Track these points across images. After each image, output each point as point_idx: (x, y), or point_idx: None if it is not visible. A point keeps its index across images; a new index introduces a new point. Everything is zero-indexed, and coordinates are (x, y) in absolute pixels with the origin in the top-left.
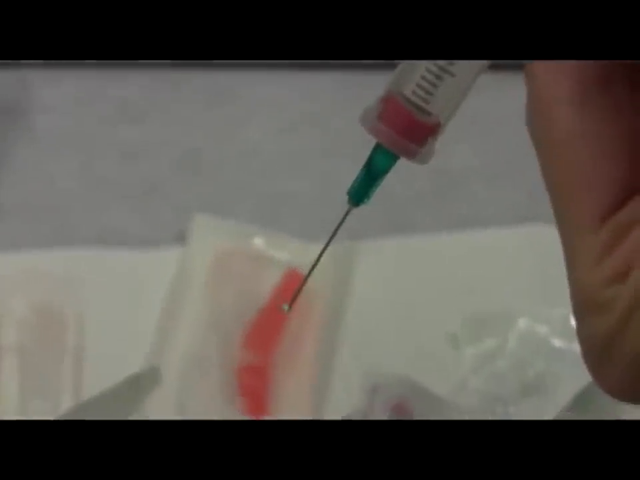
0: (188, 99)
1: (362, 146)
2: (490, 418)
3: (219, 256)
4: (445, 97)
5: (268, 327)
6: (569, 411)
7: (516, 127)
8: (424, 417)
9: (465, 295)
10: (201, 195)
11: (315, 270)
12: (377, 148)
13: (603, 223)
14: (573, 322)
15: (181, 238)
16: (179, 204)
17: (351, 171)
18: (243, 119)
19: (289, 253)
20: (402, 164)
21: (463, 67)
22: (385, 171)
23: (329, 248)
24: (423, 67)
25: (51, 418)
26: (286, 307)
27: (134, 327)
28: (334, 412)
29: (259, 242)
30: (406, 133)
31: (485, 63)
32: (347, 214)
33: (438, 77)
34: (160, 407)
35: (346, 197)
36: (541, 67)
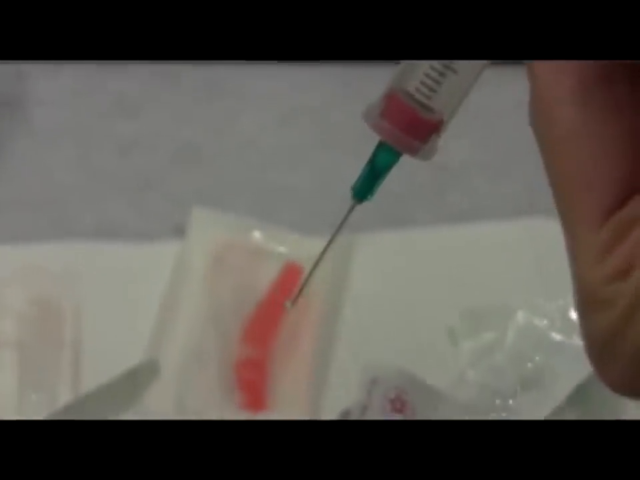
0: (186, 91)
1: (361, 139)
2: (488, 411)
3: (217, 249)
4: (448, 93)
5: (266, 321)
6: (568, 404)
7: (516, 122)
8: (422, 410)
9: (463, 288)
10: (199, 188)
11: (312, 263)
12: (380, 145)
13: (605, 221)
14: (572, 315)
15: (178, 231)
16: (177, 197)
17: (350, 165)
18: (241, 112)
19: (287, 246)
20: (402, 158)
21: (466, 65)
22: (389, 168)
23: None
24: (426, 65)
25: (49, 411)
26: (289, 304)
27: (132, 320)
28: (332, 406)
29: (257, 235)
30: (409, 130)
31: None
32: (351, 210)
33: (441, 74)
34: (158, 400)
35: (345, 191)
36: (543, 67)
